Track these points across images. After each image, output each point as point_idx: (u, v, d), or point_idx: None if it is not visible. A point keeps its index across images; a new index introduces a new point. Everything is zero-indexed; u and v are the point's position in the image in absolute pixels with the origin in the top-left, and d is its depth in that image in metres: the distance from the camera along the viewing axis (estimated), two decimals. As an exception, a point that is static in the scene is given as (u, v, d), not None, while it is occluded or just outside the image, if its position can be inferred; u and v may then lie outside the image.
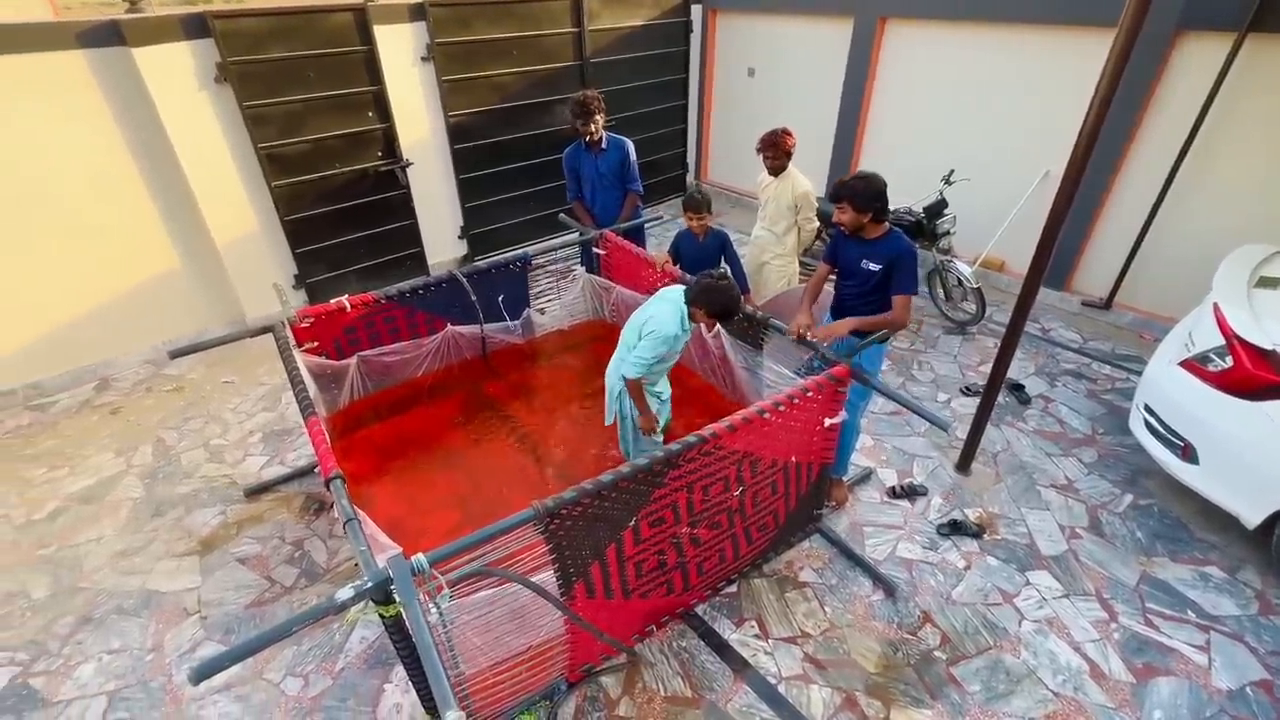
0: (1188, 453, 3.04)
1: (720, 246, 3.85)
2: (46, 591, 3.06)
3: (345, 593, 1.70)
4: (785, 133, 3.78)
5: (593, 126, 4.07)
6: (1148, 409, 3.29)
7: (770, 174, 3.95)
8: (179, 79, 4.26)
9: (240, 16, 4.35)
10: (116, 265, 4.52)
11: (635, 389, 2.97)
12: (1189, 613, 2.83)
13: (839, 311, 3.15)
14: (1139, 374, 4.23)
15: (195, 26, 4.21)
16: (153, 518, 3.46)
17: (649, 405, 3.06)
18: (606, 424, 3.28)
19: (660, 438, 3.19)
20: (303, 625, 1.67)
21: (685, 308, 2.85)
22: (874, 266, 2.88)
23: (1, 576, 3.14)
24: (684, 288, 2.91)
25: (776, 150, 3.78)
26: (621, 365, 2.99)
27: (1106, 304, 5.00)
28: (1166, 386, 3.19)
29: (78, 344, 4.53)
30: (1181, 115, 4.28)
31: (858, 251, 2.94)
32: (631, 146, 4.33)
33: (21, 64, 3.83)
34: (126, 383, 4.64)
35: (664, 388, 3.25)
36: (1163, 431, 3.17)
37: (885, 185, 2.81)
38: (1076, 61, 4.62)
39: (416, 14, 5.08)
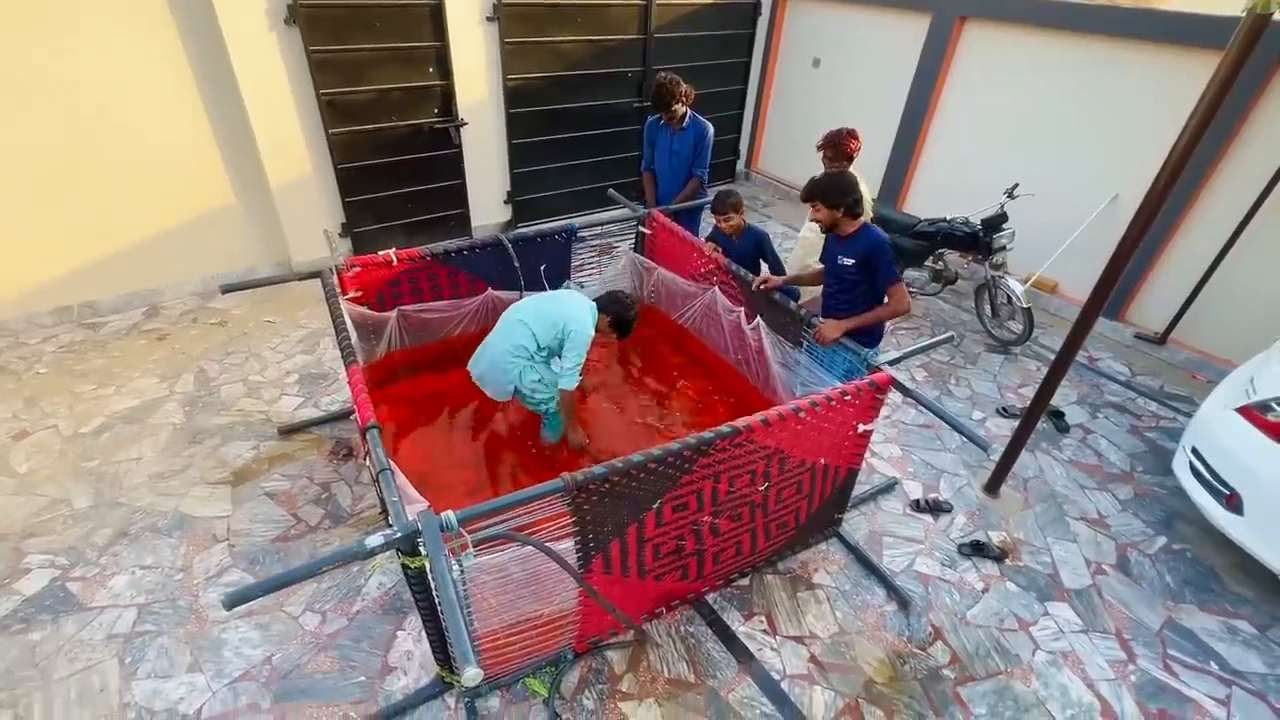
0: (1233, 502, 2.93)
1: (757, 245, 3.78)
2: (88, 502, 3.20)
3: (375, 540, 1.74)
4: (851, 134, 3.65)
5: (669, 114, 4.08)
6: (1195, 452, 3.17)
7: None
8: (251, 19, 4.29)
9: (315, -41, 4.36)
10: (176, 197, 4.63)
11: (567, 403, 3.14)
12: (1212, 664, 2.75)
13: (825, 310, 3.21)
14: (1188, 415, 4.09)
15: (270, -34, 4.24)
16: (190, 444, 3.59)
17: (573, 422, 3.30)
18: (498, 399, 3.35)
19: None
20: (332, 566, 1.72)
21: (593, 307, 3.05)
22: (848, 261, 2.95)
23: (48, 484, 3.29)
24: (590, 299, 3.13)
25: (837, 151, 3.65)
26: (545, 368, 3.14)
27: (1161, 339, 4.81)
28: (1219, 431, 3.07)
29: (133, 269, 4.67)
30: (1271, 149, 4.05)
31: (835, 249, 3.03)
32: (710, 131, 4.27)
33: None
34: (174, 311, 4.79)
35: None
36: (1208, 477, 3.06)
37: (854, 181, 2.91)
38: (1164, 82, 4.39)
39: (486, -28, 5.04)
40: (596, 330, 3.08)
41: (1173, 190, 2.58)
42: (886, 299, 2.93)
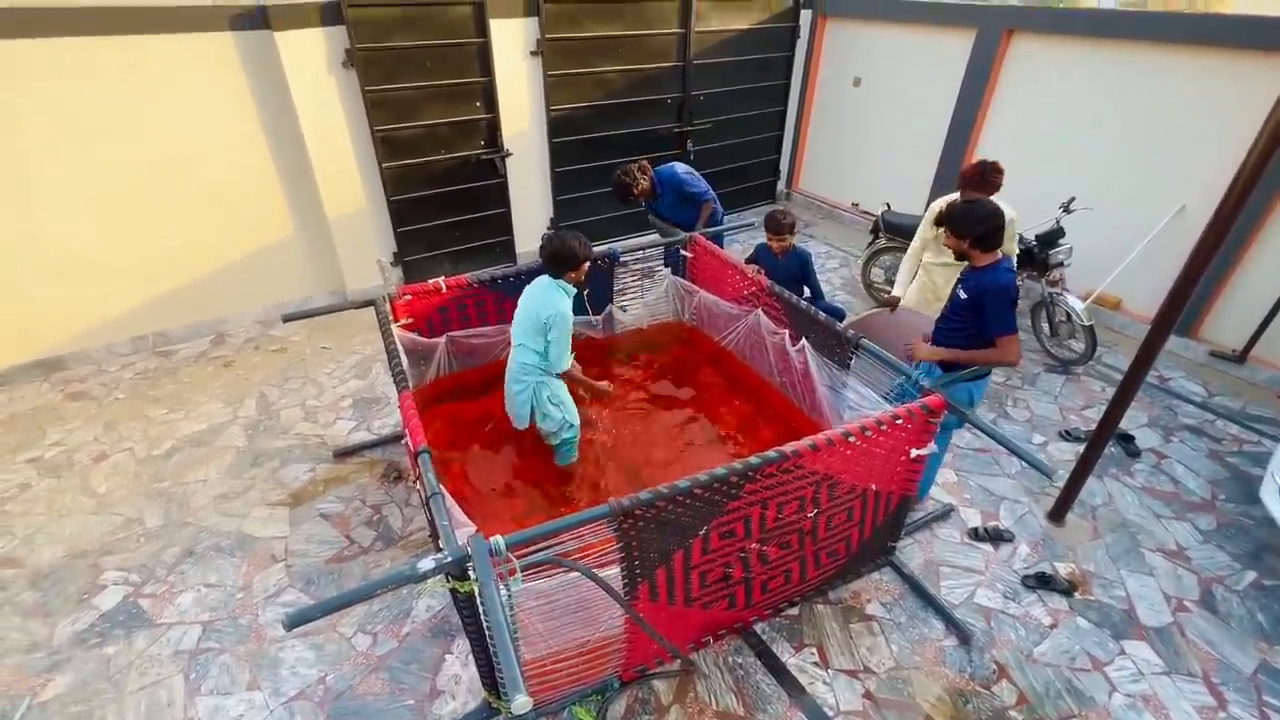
0: (1332, 534, 2.69)
1: (800, 265, 3.76)
2: (159, 521, 3.37)
3: (427, 564, 1.77)
4: (994, 167, 3.38)
5: (638, 196, 4.34)
6: (1285, 479, 2.94)
7: None
8: (311, 62, 4.57)
9: (372, 6, 4.62)
10: (241, 230, 4.91)
11: (572, 377, 3.12)
12: (1316, 714, 2.51)
13: (935, 336, 3.03)
14: (1275, 439, 3.81)
15: (331, 13, 4.50)
16: (251, 466, 3.74)
17: (582, 382, 3.25)
18: (521, 428, 3.32)
19: (576, 428, 3.35)
20: (386, 589, 1.75)
21: (558, 282, 3.02)
22: (962, 295, 2.77)
23: (124, 504, 3.48)
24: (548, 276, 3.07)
25: (978, 183, 3.36)
26: (548, 366, 3.10)
27: (1240, 357, 4.51)
28: (1312, 457, 2.84)
29: (201, 299, 4.96)
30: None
31: (962, 278, 2.85)
32: (678, 170, 4.39)
33: (179, 43, 4.23)
34: (239, 339, 5.04)
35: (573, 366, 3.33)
36: (1302, 507, 2.83)
37: (991, 213, 2.64)
38: (1232, 88, 4.18)
39: (531, 9, 5.22)
40: (573, 285, 3.06)
41: (1248, 201, 2.44)
42: (996, 346, 2.70)
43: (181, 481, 3.63)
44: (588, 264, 3.07)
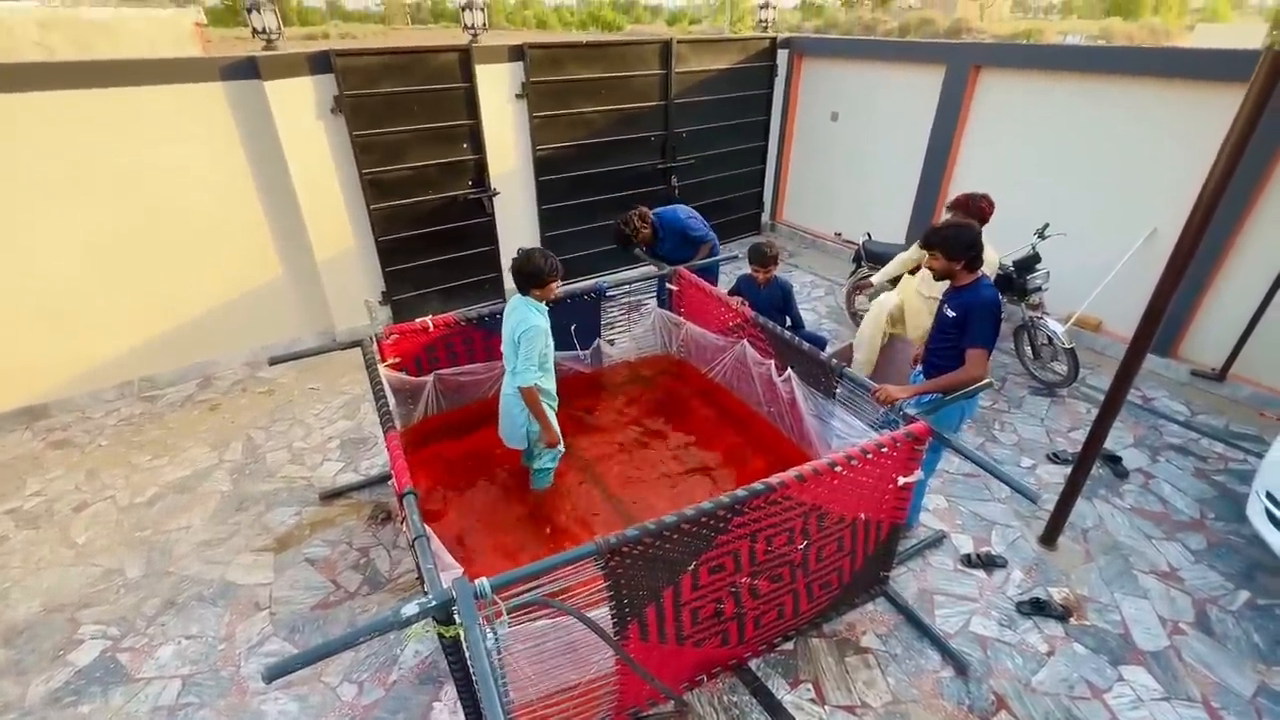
0: (1319, 551, 2.70)
1: (783, 295, 3.82)
2: (140, 572, 3.30)
3: (410, 609, 1.74)
4: (985, 198, 3.51)
5: (638, 242, 4.33)
6: (1270, 498, 2.96)
7: None
8: (300, 109, 4.67)
9: (360, 55, 4.75)
10: (229, 273, 4.93)
11: (534, 400, 3.04)
12: (1318, 737, 2.48)
13: (926, 362, 3.09)
14: (1259, 455, 3.84)
15: (320, 63, 4.62)
16: (236, 511, 3.69)
17: (551, 419, 3.17)
18: (514, 446, 3.32)
19: (561, 449, 3.31)
20: (368, 637, 1.72)
21: (528, 299, 3.04)
22: (950, 313, 2.82)
23: (104, 554, 3.41)
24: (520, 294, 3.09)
25: (968, 212, 3.47)
26: (514, 379, 3.08)
27: (1220, 375, 4.58)
28: (1294, 474, 2.87)
29: (189, 343, 4.95)
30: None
31: (945, 297, 2.91)
32: (680, 214, 4.43)
33: (171, 93, 4.32)
34: (226, 382, 5.02)
35: (552, 386, 3.27)
36: (1288, 524, 2.84)
37: (978, 234, 2.76)
38: (1193, 115, 4.35)
39: (515, 55, 5.39)
40: (543, 302, 3.07)
41: (1212, 223, 2.52)
42: (965, 359, 2.70)
43: (164, 529, 3.57)
44: (556, 282, 3.10)
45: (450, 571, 2.08)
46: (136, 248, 4.52)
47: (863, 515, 2.61)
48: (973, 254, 2.73)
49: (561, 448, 3.31)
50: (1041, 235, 4.66)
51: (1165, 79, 4.46)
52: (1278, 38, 2.07)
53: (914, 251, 3.92)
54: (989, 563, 3.25)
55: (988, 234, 2.89)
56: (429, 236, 5.53)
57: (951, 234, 2.73)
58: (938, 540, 3.39)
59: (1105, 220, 4.88)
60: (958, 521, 3.53)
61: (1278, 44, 2.08)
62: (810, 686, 2.69)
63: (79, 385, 4.65)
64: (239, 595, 3.15)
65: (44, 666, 2.82)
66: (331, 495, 3.78)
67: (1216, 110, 4.19)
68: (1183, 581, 3.14)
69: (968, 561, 3.27)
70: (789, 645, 2.86)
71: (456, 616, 1.81)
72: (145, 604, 3.11)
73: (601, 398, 4.38)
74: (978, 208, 3.55)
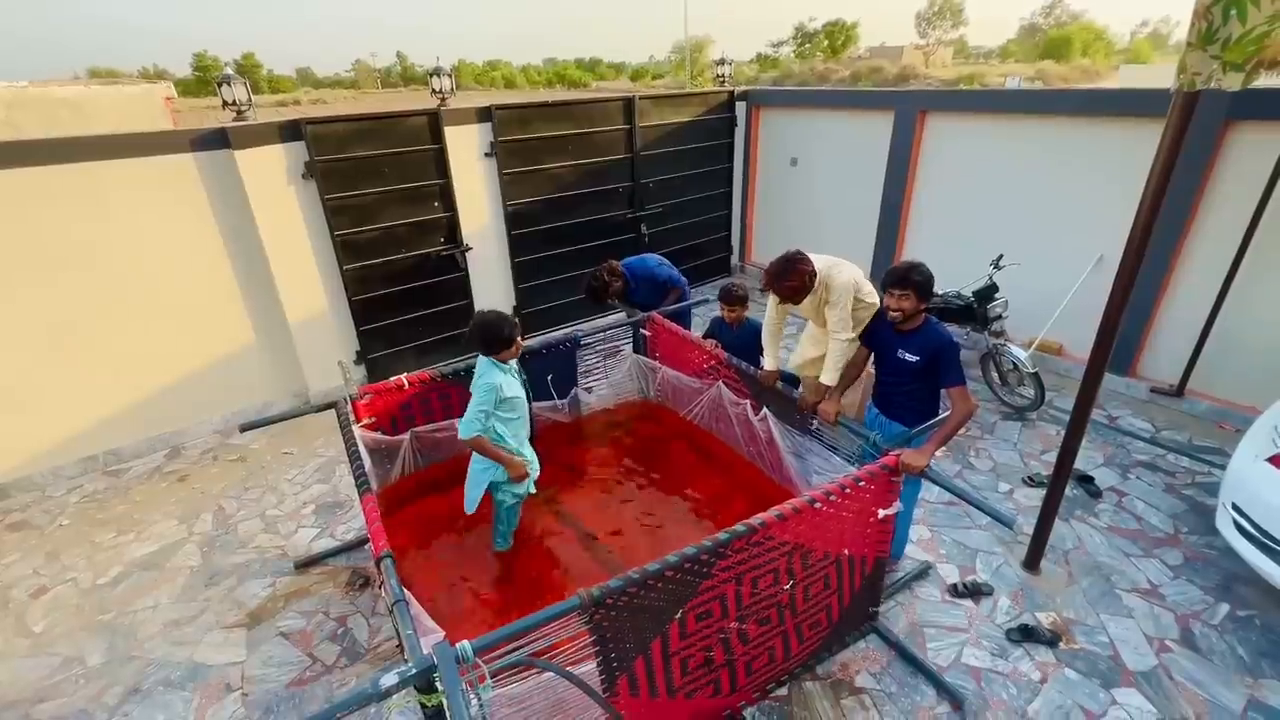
0: (1288, 559, 2.77)
1: (754, 335, 3.87)
2: (101, 659, 3.12)
3: (389, 679, 1.69)
4: (798, 260, 3.22)
5: (610, 298, 4.39)
6: (1236, 509, 3.04)
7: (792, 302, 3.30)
8: (271, 176, 4.73)
9: (330, 122, 4.86)
10: (199, 341, 4.87)
11: (481, 446, 2.99)
12: (1311, 748, 2.49)
13: (882, 400, 3.11)
14: (1222, 467, 3.95)
15: (290, 131, 4.71)
16: (206, 586, 3.54)
17: (510, 455, 3.10)
18: (471, 510, 3.25)
19: (529, 487, 3.26)
20: (346, 712, 1.65)
21: (491, 360, 3.00)
22: (910, 358, 2.86)
23: (63, 641, 3.23)
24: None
25: (794, 284, 3.20)
26: (499, 437, 3.07)
27: (1178, 391, 4.75)
28: (1256, 485, 2.96)
29: (156, 413, 4.83)
30: (1243, 201, 4.19)
31: (893, 340, 2.91)
32: (650, 262, 4.52)
33: (142, 166, 4.35)
34: (195, 451, 4.89)
35: (530, 454, 3.24)
36: (1257, 535, 2.91)
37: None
38: (1122, 148, 4.65)
39: (483, 116, 5.56)
40: (503, 361, 3.03)
41: (1151, 245, 2.66)
42: (953, 401, 2.74)
43: (128, 610, 3.40)
44: (517, 342, 3.06)
45: (431, 636, 2.02)
46: (102, 320, 4.45)
47: (846, 551, 2.62)
48: (931, 295, 2.81)
49: (531, 486, 3.26)
50: (997, 266, 4.86)
51: (1095, 116, 4.78)
52: (1185, 80, 2.26)
53: (771, 310, 3.54)
54: (975, 591, 3.25)
55: (937, 265, 2.93)
56: (403, 294, 5.55)
57: (926, 275, 2.73)
58: (923, 571, 3.40)
59: (1056, 249, 5.12)
60: (941, 551, 3.54)
61: (1186, 86, 2.26)
62: (807, 733, 2.63)
63: (39, 463, 4.49)
64: (209, 676, 3.00)
65: (-6, 770, 2.63)
66: (307, 563, 3.66)
67: (1142, 141, 4.48)
68: (1164, 598, 3.17)
69: (955, 591, 3.27)
70: (783, 690, 2.80)
71: (438, 684, 1.75)
72: (107, 693, 2.94)
73: (581, 446, 4.36)
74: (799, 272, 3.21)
